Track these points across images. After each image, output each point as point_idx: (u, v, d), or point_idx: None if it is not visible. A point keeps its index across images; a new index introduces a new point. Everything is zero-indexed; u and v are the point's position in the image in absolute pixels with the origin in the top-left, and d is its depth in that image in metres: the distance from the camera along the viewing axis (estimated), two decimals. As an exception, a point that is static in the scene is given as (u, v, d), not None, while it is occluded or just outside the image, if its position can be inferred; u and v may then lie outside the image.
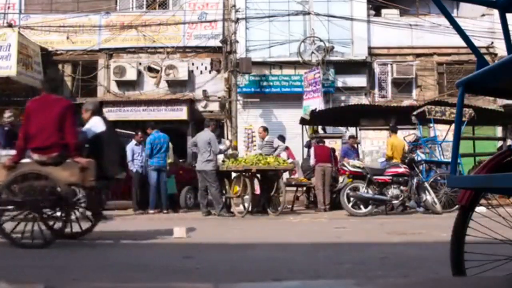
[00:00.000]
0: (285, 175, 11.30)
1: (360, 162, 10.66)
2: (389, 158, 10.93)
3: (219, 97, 16.35)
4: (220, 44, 16.15)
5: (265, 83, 16.33)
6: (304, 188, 12.12)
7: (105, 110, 16.08)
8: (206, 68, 16.61)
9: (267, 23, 16.18)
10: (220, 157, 10.45)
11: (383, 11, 16.96)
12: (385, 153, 11.38)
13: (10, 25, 15.56)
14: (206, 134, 10.23)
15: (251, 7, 16.18)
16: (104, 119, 6.23)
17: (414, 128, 12.05)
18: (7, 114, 8.48)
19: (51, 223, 5.41)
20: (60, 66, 16.84)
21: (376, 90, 16.65)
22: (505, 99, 12.19)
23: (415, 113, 11.31)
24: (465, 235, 2.11)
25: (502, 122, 14.91)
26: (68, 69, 16.88)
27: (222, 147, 10.74)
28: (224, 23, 16.41)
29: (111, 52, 16.69)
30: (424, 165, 10.68)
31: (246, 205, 10.04)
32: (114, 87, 16.65)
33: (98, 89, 16.73)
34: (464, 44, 1.99)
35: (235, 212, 9.88)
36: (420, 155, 10.92)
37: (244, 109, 16.28)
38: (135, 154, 11.18)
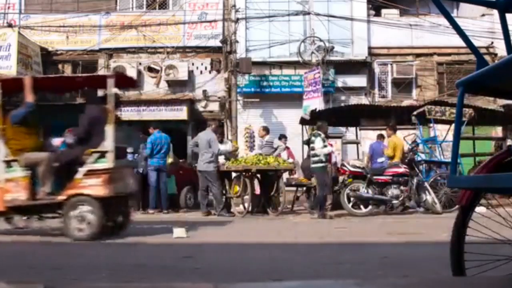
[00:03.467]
0: (285, 175, 11.28)
1: (360, 162, 10.65)
2: (390, 157, 10.91)
3: (219, 97, 16.34)
4: (220, 44, 16.14)
5: (265, 83, 16.31)
6: (304, 188, 12.10)
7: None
8: (206, 68, 16.60)
9: (267, 23, 16.17)
10: (220, 157, 10.40)
11: (383, 11, 16.95)
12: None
13: (10, 25, 15.55)
14: (207, 134, 10.23)
15: (251, 7, 16.16)
16: None
17: (414, 128, 12.03)
18: None
19: None
20: (60, 66, 16.82)
21: (376, 90, 16.64)
22: (505, 99, 12.17)
23: (415, 113, 11.30)
24: (465, 235, 2.11)
25: (502, 122, 14.90)
26: (68, 69, 16.86)
27: (225, 147, 10.66)
28: (224, 23, 16.40)
29: (111, 52, 16.68)
30: (424, 165, 10.67)
31: (246, 205, 10.03)
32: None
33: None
34: (464, 44, 1.98)
35: (235, 212, 9.87)
36: (420, 155, 10.91)
37: (244, 109, 16.26)
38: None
